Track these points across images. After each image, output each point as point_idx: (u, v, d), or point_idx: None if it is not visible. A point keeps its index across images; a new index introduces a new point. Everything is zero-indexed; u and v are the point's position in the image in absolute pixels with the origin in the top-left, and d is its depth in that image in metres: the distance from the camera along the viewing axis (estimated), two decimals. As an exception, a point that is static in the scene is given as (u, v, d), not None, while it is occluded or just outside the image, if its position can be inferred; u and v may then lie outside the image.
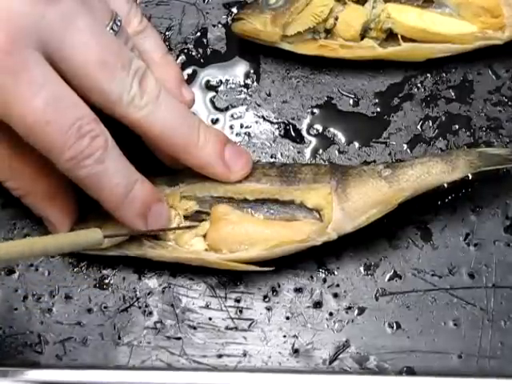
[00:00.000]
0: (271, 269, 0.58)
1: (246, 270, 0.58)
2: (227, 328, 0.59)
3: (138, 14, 0.61)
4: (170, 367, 0.58)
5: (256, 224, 0.58)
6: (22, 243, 0.52)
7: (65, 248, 0.53)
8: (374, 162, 0.64)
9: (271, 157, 0.64)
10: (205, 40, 0.68)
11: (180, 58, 0.67)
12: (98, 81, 0.54)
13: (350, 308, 0.60)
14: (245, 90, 0.66)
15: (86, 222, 0.59)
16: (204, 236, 0.59)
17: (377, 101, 0.66)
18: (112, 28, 0.56)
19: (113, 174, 0.54)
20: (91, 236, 0.53)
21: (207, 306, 0.60)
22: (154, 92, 0.56)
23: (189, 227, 0.59)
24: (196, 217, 0.59)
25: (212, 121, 0.66)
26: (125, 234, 0.57)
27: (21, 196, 0.59)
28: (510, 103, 0.65)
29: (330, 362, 0.59)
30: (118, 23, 0.57)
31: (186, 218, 0.59)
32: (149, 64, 0.58)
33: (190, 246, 0.59)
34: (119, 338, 0.59)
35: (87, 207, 0.59)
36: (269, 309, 0.60)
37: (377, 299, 0.60)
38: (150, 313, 0.60)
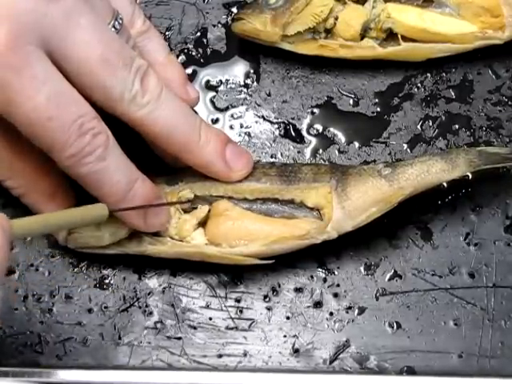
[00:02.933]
0: (271, 262, 0.58)
1: (245, 263, 0.58)
2: (227, 328, 0.59)
3: (141, 15, 0.61)
4: (170, 367, 0.58)
5: (256, 220, 0.59)
6: (35, 219, 0.52)
7: (77, 222, 0.54)
8: (374, 161, 0.64)
9: (271, 157, 0.64)
10: (205, 40, 0.68)
11: (180, 57, 0.67)
12: (100, 78, 0.54)
13: (350, 308, 0.60)
14: (245, 89, 0.66)
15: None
16: (203, 226, 0.59)
17: (377, 101, 0.66)
18: (114, 26, 0.56)
19: (113, 172, 0.54)
20: (98, 210, 0.54)
21: (207, 306, 0.60)
22: (156, 90, 0.56)
23: (182, 202, 0.59)
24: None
25: (212, 121, 0.66)
26: (132, 208, 0.56)
27: (20, 195, 0.59)
28: (509, 103, 0.65)
29: (331, 362, 0.59)
30: (120, 21, 0.57)
31: (185, 212, 0.59)
32: (153, 64, 0.58)
33: (191, 239, 0.58)
34: (119, 338, 0.59)
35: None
36: (269, 309, 0.60)
37: (377, 299, 0.60)
38: (151, 313, 0.60)
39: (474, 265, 0.61)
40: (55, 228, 0.56)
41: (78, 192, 0.58)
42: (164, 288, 0.60)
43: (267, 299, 0.60)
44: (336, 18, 0.65)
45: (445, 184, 0.62)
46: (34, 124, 0.52)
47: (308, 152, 0.65)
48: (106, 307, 0.60)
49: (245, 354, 0.59)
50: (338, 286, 0.61)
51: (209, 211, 0.59)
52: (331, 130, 0.65)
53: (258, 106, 0.66)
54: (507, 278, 0.60)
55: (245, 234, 0.58)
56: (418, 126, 0.65)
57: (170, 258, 0.59)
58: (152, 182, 0.57)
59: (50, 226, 0.53)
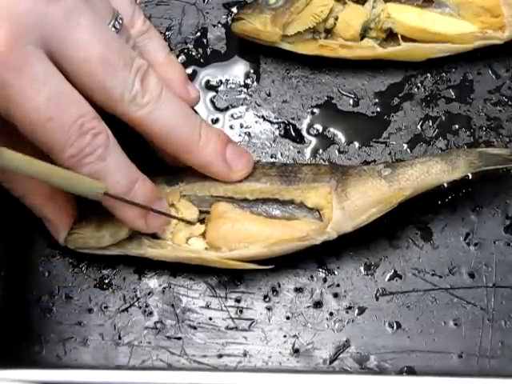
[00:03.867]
0: (271, 267, 0.58)
1: (245, 268, 0.58)
2: (227, 328, 0.59)
3: (141, 15, 0.61)
4: (170, 367, 0.58)
5: (256, 222, 0.58)
6: (27, 160, 0.51)
7: (68, 185, 0.53)
8: (374, 161, 0.64)
9: (271, 157, 0.64)
10: (205, 40, 0.68)
11: (180, 57, 0.67)
12: (100, 78, 0.53)
13: (350, 308, 0.60)
14: (245, 89, 0.66)
15: (86, 220, 0.59)
16: (202, 235, 0.59)
17: (377, 101, 0.66)
18: (114, 26, 0.56)
19: (114, 172, 0.54)
20: (95, 185, 0.53)
21: (207, 306, 0.60)
22: (156, 90, 0.56)
23: (184, 220, 0.59)
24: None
25: (212, 121, 0.66)
26: (126, 200, 0.56)
27: (20, 196, 0.59)
28: (509, 103, 0.65)
29: (331, 362, 0.59)
30: (120, 21, 0.57)
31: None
32: (153, 64, 0.58)
33: (189, 244, 0.58)
34: (119, 337, 0.59)
35: (87, 206, 0.59)
36: (269, 309, 0.60)
37: (377, 299, 0.60)
38: (151, 313, 0.60)
39: (473, 265, 0.61)
40: (43, 177, 0.53)
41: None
42: (164, 288, 0.60)
43: (267, 299, 0.60)
44: (336, 18, 0.65)
45: (445, 184, 0.62)
46: (34, 124, 0.52)
47: (308, 152, 0.65)
48: (106, 307, 0.60)
49: (245, 354, 0.59)
50: (338, 286, 0.61)
51: (208, 213, 0.59)
52: (331, 130, 0.65)
53: (258, 106, 0.66)
54: (507, 278, 0.60)
55: (244, 236, 0.58)
56: (418, 126, 0.65)
57: (170, 261, 0.59)
58: (152, 183, 0.57)
59: (40, 173, 0.52)
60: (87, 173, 0.54)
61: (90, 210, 0.59)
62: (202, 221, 0.60)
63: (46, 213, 0.59)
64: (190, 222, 0.59)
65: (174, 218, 0.58)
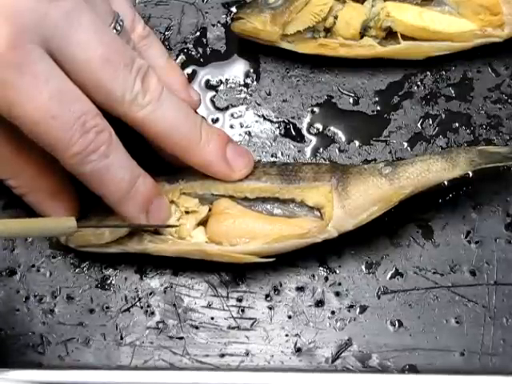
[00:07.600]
0: (272, 260, 0.58)
1: (246, 261, 0.58)
2: (229, 327, 0.59)
3: (141, 21, 0.61)
4: (172, 367, 0.58)
5: (257, 219, 0.58)
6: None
7: (39, 232, 0.53)
8: (375, 160, 0.64)
9: (272, 156, 0.64)
10: (204, 39, 0.68)
11: (180, 57, 0.67)
12: (101, 79, 0.54)
13: (351, 306, 0.60)
14: (245, 89, 0.66)
15: (88, 219, 0.59)
16: (204, 225, 0.59)
17: (377, 99, 0.66)
18: (115, 28, 0.56)
19: (117, 169, 0.54)
20: (63, 224, 0.53)
21: (209, 306, 0.60)
22: (157, 90, 0.56)
23: (172, 226, 0.59)
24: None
25: (212, 120, 0.66)
26: (104, 226, 0.57)
27: (22, 194, 0.59)
28: (509, 101, 0.65)
29: (333, 361, 0.59)
30: (121, 23, 0.57)
31: (186, 213, 0.59)
32: (155, 69, 0.58)
33: (191, 238, 0.58)
34: (121, 338, 0.59)
35: (89, 204, 0.59)
36: (271, 308, 0.60)
37: (379, 297, 0.60)
38: (152, 313, 0.60)
39: (475, 263, 0.61)
40: (20, 235, 0.55)
41: (80, 190, 0.58)
42: (166, 288, 0.60)
43: (269, 298, 0.60)
44: (335, 17, 0.65)
45: (445, 182, 0.62)
46: (37, 123, 0.52)
47: (308, 151, 0.65)
48: (107, 307, 0.60)
49: (247, 354, 0.59)
50: (340, 284, 0.61)
51: (209, 210, 0.59)
52: (331, 128, 0.65)
53: (258, 105, 0.66)
54: (508, 276, 0.60)
55: (245, 232, 0.58)
56: (418, 125, 0.65)
57: (171, 256, 0.59)
58: (153, 179, 0.57)
59: (15, 231, 0.51)
60: (91, 170, 0.54)
61: (92, 208, 0.59)
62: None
63: (48, 211, 0.59)
64: (191, 212, 0.59)
65: (168, 226, 0.59)
